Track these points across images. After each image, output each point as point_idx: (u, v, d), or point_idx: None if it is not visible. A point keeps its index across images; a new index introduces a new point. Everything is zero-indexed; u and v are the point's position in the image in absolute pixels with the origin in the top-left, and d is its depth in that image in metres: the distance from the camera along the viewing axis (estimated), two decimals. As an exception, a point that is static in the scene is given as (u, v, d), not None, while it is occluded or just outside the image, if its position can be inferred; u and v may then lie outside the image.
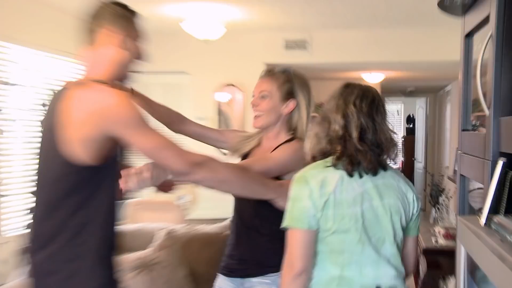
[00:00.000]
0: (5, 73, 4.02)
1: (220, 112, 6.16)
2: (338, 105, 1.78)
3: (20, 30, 4.44)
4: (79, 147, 1.65)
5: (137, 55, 1.84)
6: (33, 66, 4.54)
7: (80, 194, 1.68)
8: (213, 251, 3.30)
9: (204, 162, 1.74)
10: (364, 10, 4.79)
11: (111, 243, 1.77)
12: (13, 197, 4.05)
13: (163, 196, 5.22)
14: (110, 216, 1.76)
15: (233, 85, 6.12)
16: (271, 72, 2.11)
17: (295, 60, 6.02)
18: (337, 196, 1.68)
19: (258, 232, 2.07)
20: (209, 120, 6.08)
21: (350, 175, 1.70)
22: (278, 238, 1.88)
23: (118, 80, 1.84)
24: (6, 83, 3.94)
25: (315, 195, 1.67)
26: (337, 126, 1.75)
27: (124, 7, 1.83)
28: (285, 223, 1.72)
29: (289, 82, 2.05)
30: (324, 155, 1.76)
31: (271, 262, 1.98)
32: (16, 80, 4.00)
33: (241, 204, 2.14)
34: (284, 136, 2.12)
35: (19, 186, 4.07)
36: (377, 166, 1.73)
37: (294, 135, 2.09)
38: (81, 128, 1.65)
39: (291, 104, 2.04)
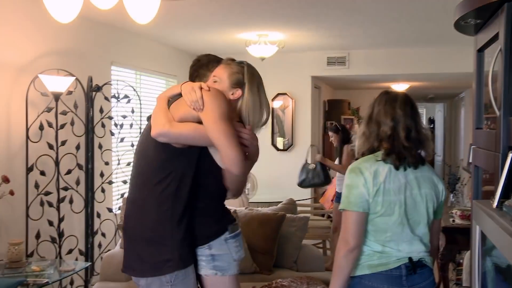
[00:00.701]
0: (116, 90, 4.16)
1: (274, 116, 6.13)
2: (386, 110, 1.71)
3: (128, 57, 4.62)
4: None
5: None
6: (137, 84, 4.67)
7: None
8: (268, 228, 3.25)
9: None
10: (392, 32, 4.68)
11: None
12: (120, 184, 4.22)
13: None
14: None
15: (286, 94, 6.10)
16: (227, 62, 1.81)
17: (335, 73, 5.94)
18: (386, 185, 1.64)
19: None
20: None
21: (397, 168, 1.66)
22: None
23: None
24: (117, 97, 4.07)
25: (369, 184, 1.63)
26: (386, 127, 1.69)
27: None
28: (342, 206, 1.68)
29: (239, 73, 1.75)
30: (371, 151, 1.71)
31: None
32: (124, 94, 4.12)
33: None
34: None
35: (124, 175, 4.23)
36: (418, 161, 1.69)
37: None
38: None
39: (237, 93, 1.75)
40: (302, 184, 4.61)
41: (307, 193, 5.79)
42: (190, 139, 1.65)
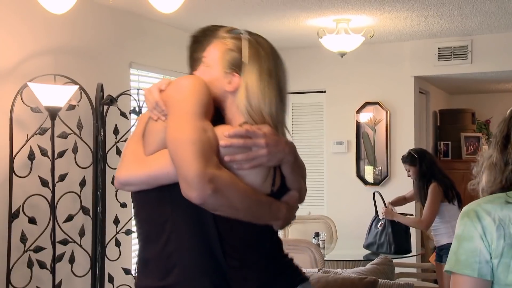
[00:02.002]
0: (137, 102, 4.19)
1: (361, 135, 6.01)
2: None
3: (153, 56, 4.60)
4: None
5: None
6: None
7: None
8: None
9: (222, 185, 1.48)
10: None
11: None
12: None
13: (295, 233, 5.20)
14: None
15: (377, 103, 5.89)
16: (222, 35, 1.67)
17: (452, 71, 5.81)
18: None
19: None
20: (347, 145, 5.94)
21: None
22: None
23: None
24: (138, 112, 4.08)
25: (490, 237, 1.52)
26: None
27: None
28: (448, 266, 1.56)
29: (235, 50, 1.62)
30: (503, 188, 1.58)
31: None
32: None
33: None
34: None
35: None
36: None
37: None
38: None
39: (234, 80, 1.61)
40: (369, 249, 4.70)
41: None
42: (166, 179, 1.55)
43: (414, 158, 4.47)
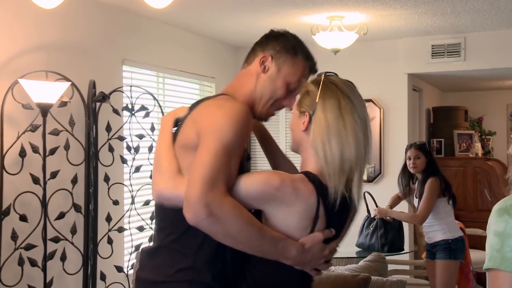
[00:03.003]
0: (129, 99, 4.17)
1: None
2: None
3: (146, 53, 4.57)
4: (179, 150, 1.65)
5: (274, 91, 1.75)
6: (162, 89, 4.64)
7: None
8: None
9: (220, 212, 1.48)
10: (533, 3, 4.37)
11: None
12: (134, 231, 4.16)
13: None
14: None
15: (370, 100, 5.86)
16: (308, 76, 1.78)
17: (445, 68, 5.77)
18: None
19: None
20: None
21: None
22: None
23: (256, 114, 1.77)
24: (131, 110, 4.06)
25: None
26: None
27: (302, 47, 1.80)
28: (492, 264, 1.52)
29: (311, 90, 1.67)
30: None
31: None
32: (141, 105, 4.11)
33: None
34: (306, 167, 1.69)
35: (139, 219, 4.15)
36: None
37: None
38: (185, 130, 1.65)
39: (304, 120, 1.65)
40: (360, 248, 4.73)
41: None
42: None
43: (427, 148, 4.41)
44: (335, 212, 1.60)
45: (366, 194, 4.62)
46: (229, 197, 1.51)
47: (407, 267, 5.51)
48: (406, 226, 5.00)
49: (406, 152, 4.43)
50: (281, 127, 5.99)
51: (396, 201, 4.69)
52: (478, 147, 7.52)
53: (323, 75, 1.68)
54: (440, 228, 4.26)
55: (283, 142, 5.82)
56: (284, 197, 1.55)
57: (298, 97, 1.72)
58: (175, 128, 1.74)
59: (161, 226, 1.71)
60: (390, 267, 4.58)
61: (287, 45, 1.76)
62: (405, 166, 4.46)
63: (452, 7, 4.46)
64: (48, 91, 3.37)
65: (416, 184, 4.42)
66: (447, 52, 5.61)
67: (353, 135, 1.61)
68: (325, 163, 1.59)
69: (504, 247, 1.51)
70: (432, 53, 5.66)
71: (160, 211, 1.72)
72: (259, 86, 1.74)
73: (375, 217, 4.53)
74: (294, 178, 1.59)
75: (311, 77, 1.75)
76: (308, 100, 1.66)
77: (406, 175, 4.48)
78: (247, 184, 1.55)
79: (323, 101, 1.62)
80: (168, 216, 1.67)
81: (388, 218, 4.50)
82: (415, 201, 4.42)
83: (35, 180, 3.47)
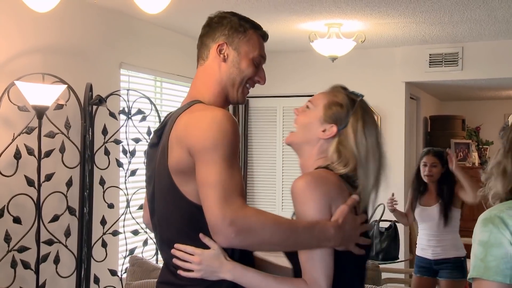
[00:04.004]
0: (126, 102, 4.18)
1: None
2: None
3: (144, 57, 4.57)
4: (177, 177, 1.60)
5: (241, 72, 1.74)
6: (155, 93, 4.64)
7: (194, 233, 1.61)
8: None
9: (246, 225, 1.48)
10: (530, 14, 4.40)
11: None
12: (129, 235, 4.17)
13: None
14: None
15: None
16: (337, 89, 1.78)
17: (442, 77, 5.79)
18: None
19: None
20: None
21: None
22: None
23: (227, 101, 1.76)
24: (127, 113, 4.05)
25: None
26: None
27: (246, 20, 1.78)
28: (475, 273, 1.53)
29: (344, 106, 1.70)
30: None
31: None
32: (137, 109, 4.10)
33: None
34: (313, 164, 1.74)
35: (134, 223, 4.15)
36: None
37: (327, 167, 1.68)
38: (174, 154, 1.60)
39: (331, 130, 1.70)
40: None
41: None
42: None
43: (443, 156, 4.03)
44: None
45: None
46: (248, 207, 1.51)
47: (402, 276, 5.48)
48: (402, 235, 4.98)
49: (421, 158, 4.09)
50: (278, 121, 5.99)
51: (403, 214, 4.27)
52: (475, 156, 7.52)
53: (361, 97, 1.74)
54: (452, 243, 3.96)
55: (279, 137, 5.87)
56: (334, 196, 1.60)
57: (324, 99, 1.75)
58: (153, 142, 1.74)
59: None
60: (384, 275, 4.57)
61: (233, 25, 1.74)
62: (418, 174, 4.10)
63: (449, 16, 4.48)
64: (44, 93, 3.37)
65: (419, 197, 4.08)
66: (445, 61, 5.62)
67: (380, 153, 1.72)
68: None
69: (487, 257, 1.52)
70: (430, 62, 5.67)
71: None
72: (225, 75, 1.72)
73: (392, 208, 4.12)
74: (316, 175, 1.62)
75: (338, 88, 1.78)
76: (337, 113, 1.71)
77: (421, 184, 4.08)
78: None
79: (355, 121, 1.70)
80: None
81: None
82: (430, 211, 4.01)
83: (30, 182, 3.46)
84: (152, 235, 2.02)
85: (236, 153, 1.57)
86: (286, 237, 1.51)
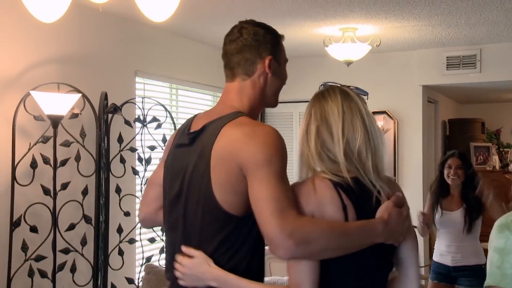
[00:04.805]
0: (142, 110, 4.20)
1: None
2: None
3: (159, 64, 4.59)
4: (219, 189, 1.62)
5: (283, 80, 1.84)
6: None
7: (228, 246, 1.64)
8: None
9: (304, 236, 1.50)
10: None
11: None
12: (145, 243, 4.16)
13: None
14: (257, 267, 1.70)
15: (385, 112, 5.83)
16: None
17: (460, 80, 5.74)
18: None
19: None
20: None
21: None
22: None
23: (265, 107, 1.84)
24: (143, 121, 4.06)
25: None
26: None
27: (267, 28, 1.83)
28: (492, 280, 1.55)
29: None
30: None
31: None
32: (152, 116, 4.12)
33: None
34: None
35: (151, 231, 4.13)
36: None
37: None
38: (220, 167, 1.62)
39: None
40: None
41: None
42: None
43: (468, 160, 4.00)
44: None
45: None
46: (303, 216, 1.54)
47: (421, 282, 5.43)
48: (420, 239, 4.92)
49: (445, 160, 3.97)
50: (295, 126, 5.98)
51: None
52: (495, 160, 7.42)
53: (324, 84, 1.76)
54: (473, 250, 3.85)
55: (296, 142, 5.84)
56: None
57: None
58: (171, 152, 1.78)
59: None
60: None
61: (272, 40, 1.80)
62: (441, 178, 3.98)
63: (466, 18, 4.43)
64: (58, 102, 3.39)
65: (441, 202, 3.95)
66: (463, 63, 5.57)
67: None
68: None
69: (504, 264, 1.51)
70: (447, 64, 5.63)
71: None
72: (272, 87, 1.79)
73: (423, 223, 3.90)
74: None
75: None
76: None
77: (444, 187, 3.96)
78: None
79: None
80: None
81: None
82: (453, 216, 3.89)
83: (46, 191, 3.49)
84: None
85: (285, 167, 1.62)
86: (343, 241, 1.54)
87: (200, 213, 1.66)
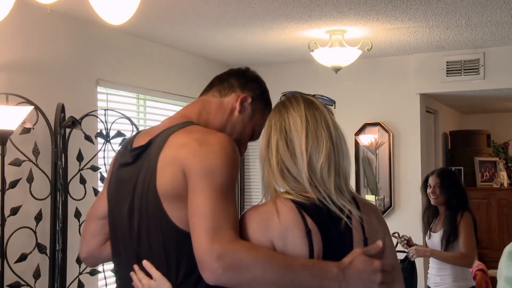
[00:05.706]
0: (104, 124, 4.18)
1: (360, 160, 5.99)
2: None
3: (124, 72, 4.56)
4: (167, 201, 1.62)
5: (244, 133, 1.87)
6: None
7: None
8: None
9: (236, 261, 1.47)
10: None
11: None
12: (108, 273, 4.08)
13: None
14: None
15: (379, 124, 5.86)
16: None
17: (462, 88, 5.79)
18: None
19: None
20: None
21: None
22: None
23: None
24: (106, 136, 4.06)
25: None
26: None
27: (266, 90, 1.92)
28: None
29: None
30: None
31: None
32: (117, 130, 4.11)
33: None
34: None
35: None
36: None
37: None
38: (165, 175, 1.62)
39: None
40: None
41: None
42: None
43: (447, 173, 4.30)
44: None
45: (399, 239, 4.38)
46: (240, 240, 1.51)
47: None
48: (419, 266, 4.90)
49: (426, 180, 4.26)
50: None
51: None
52: (503, 176, 7.47)
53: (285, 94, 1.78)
54: (451, 273, 4.02)
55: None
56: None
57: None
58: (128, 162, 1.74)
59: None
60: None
61: (264, 94, 1.88)
62: (428, 199, 4.25)
63: (467, 19, 4.46)
64: (7, 116, 3.35)
65: (433, 220, 4.22)
66: (464, 69, 5.63)
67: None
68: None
69: None
70: (447, 70, 5.68)
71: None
72: (230, 124, 1.82)
73: (411, 259, 4.18)
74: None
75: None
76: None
77: (431, 209, 4.24)
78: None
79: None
80: None
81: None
82: (434, 238, 4.15)
83: (-7, 217, 3.43)
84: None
85: (234, 183, 1.60)
86: (282, 276, 1.49)
87: (155, 237, 1.64)
